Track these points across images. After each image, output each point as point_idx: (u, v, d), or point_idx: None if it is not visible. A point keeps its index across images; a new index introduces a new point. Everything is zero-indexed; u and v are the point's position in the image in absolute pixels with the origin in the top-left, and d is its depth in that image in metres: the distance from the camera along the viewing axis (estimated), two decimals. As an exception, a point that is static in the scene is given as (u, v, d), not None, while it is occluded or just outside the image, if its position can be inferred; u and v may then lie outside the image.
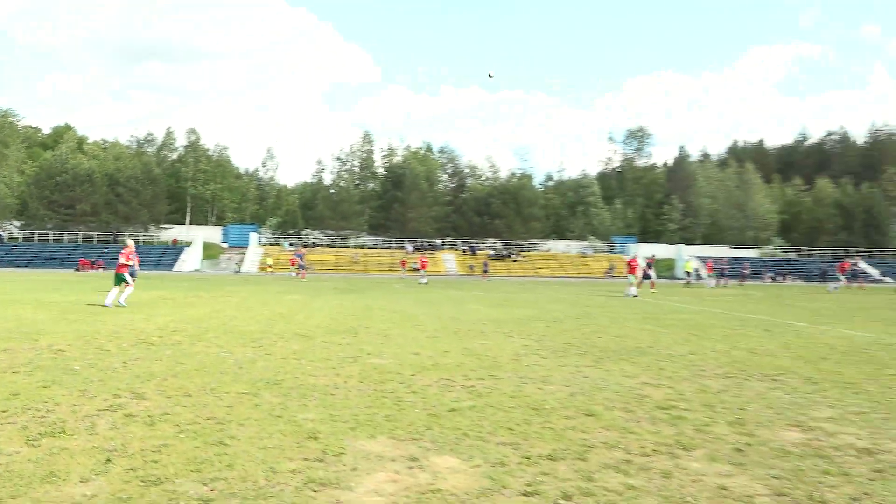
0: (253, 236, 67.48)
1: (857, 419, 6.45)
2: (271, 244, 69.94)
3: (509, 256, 68.32)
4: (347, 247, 72.39)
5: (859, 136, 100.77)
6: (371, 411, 6.36)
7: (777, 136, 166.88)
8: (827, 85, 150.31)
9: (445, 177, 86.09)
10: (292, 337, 11.96)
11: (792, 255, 77.10)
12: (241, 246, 66.45)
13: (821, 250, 76.41)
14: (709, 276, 45.45)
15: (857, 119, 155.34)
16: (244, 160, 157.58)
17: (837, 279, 39.71)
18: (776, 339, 13.23)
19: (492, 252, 69.78)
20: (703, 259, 65.61)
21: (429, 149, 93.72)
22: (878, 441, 5.66)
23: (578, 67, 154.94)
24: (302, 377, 8.02)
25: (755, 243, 79.07)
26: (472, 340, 12.01)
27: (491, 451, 5.19)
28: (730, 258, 61.92)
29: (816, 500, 4.24)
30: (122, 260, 18.96)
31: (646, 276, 31.49)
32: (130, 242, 19.69)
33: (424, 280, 40.64)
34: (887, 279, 62.34)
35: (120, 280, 18.45)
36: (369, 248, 72.91)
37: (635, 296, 27.61)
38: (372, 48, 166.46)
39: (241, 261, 61.91)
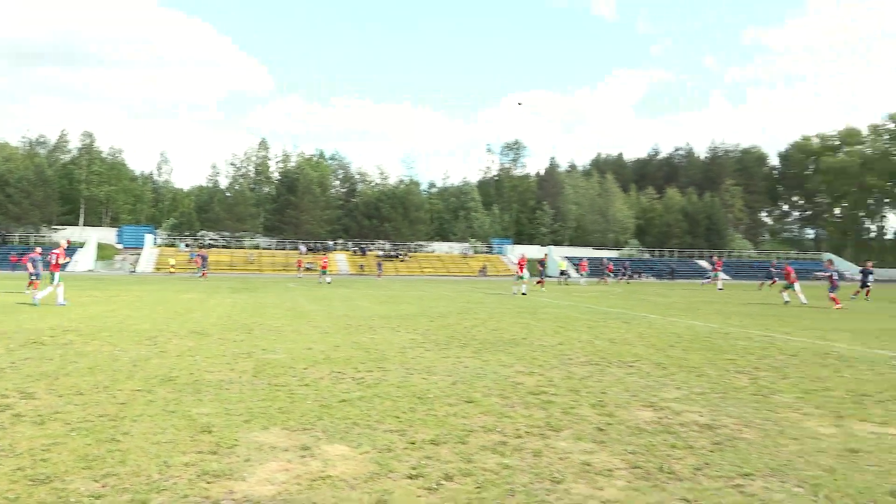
0: (148, 237, 64.31)
1: (700, 399, 6.83)
2: (167, 245, 66.96)
3: (397, 257, 68.33)
4: (242, 248, 70.28)
5: (702, 151, 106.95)
6: (264, 404, 6.20)
7: (634, 151, 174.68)
8: (675, 106, 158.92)
9: (337, 182, 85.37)
10: (187, 334, 11.48)
11: (646, 256, 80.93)
12: (136, 247, 63.25)
13: (670, 251, 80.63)
14: (582, 274, 47.03)
15: (700, 137, 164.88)
16: (140, 163, 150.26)
17: (715, 276, 39.80)
18: (633, 329, 13.84)
19: (381, 252, 69.56)
20: (575, 260, 67.87)
21: (321, 156, 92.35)
22: (716, 417, 6.02)
23: (461, 83, 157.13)
24: (197, 373, 7.71)
25: (615, 245, 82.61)
26: (362, 335, 11.92)
27: (379, 438, 5.16)
28: (591, 258, 64.31)
29: (665, 472, 4.46)
30: (54, 260, 18.16)
31: (542, 275, 32.41)
32: (63, 242, 18.85)
33: (328, 279, 39.92)
34: (724, 276, 66.38)
35: (49, 279, 17.80)
36: (264, 248, 71.04)
37: (524, 293, 27.63)
38: (266, 59, 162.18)
39: (137, 261, 58.92)
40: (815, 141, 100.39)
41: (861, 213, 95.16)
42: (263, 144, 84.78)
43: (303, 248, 68.13)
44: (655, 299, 26.13)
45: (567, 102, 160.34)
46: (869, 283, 28.58)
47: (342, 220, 75.36)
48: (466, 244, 76.51)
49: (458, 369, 8.39)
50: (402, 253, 70.25)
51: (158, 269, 56.07)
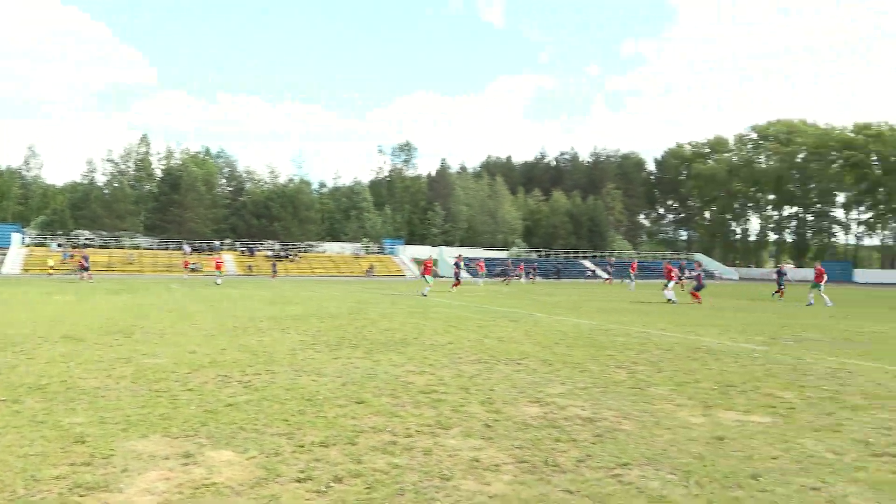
0: (15, 236, 59.73)
1: (582, 393, 7.09)
2: (36, 245, 62.48)
3: (287, 257, 66.89)
4: (122, 247, 66.66)
5: (586, 156, 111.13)
6: (144, 411, 5.90)
7: (522, 154, 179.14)
8: (561, 112, 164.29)
9: (224, 181, 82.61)
10: (60, 340, 10.77)
11: (533, 256, 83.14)
12: (2, 247, 58.68)
13: (556, 251, 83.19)
14: (480, 274, 47.69)
15: (584, 142, 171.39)
16: (5, 158, 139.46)
17: (630, 278, 40.03)
18: (520, 328, 14.19)
19: (270, 253, 67.86)
20: (466, 260, 68.70)
21: (207, 153, 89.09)
22: (597, 411, 6.26)
23: (353, 84, 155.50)
24: (70, 381, 7.25)
25: (504, 245, 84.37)
26: (250, 337, 11.59)
27: (266, 442, 5.03)
28: (485, 258, 65.44)
29: (550, 465, 4.59)
30: None
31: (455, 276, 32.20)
32: None
33: (219, 280, 38.48)
34: (603, 275, 69.20)
35: None
36: (145, 248, 67.67)
37: (424, 295, 27.00)
38: (148, 51, 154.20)
39: (2, 262, 54.67)
40: (688, 148, 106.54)
41: (728, 217, 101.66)
42: (145, 140, 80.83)
43: (187, 248, 65.38)
44: (542, 298, 26.89)
45: (458, 105, 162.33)
46: (783, 285, 30.43)
47: (229, 220, 73.08)
48: (358, 244, 75.97)
49: (349, 370, 8.31)
50: (292, 253, 68.84)
51: (27, 269, 52.25)
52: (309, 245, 74.32)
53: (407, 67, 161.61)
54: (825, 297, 25.53)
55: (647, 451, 4.93)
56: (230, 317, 15.62)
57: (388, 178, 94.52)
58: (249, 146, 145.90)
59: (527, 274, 55.77)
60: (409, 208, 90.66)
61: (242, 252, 67.23)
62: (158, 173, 78.70)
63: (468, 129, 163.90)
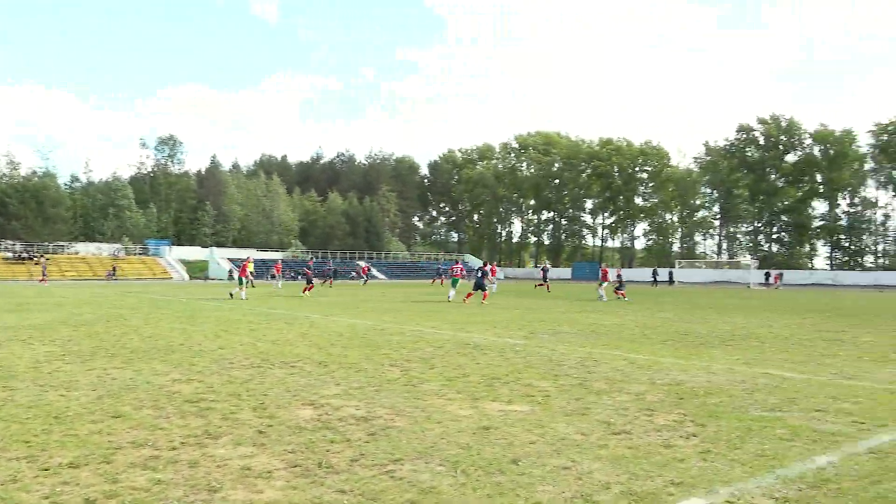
0: None
1: (357, 393, 7.15)
2: None
3: (31, 259, 59.62)
4: None
5: (362, 158, 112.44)
6: None
7: (298, 154, 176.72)
8: (337, 113, 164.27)
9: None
10: None
11: (309, 256, 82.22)
12: None
13: (333, 253, 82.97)
14: (278, 276, 45.84)
15: (361, 144, 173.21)
16: None
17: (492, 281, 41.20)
18: (295, 329, 13.96)
19: (10, 255, 60.07)
20: (238, 262, 66.14)
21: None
22: (372, 409, 6.34)
23: (111, 72, 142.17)
24: None
25: (280, 246, 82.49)
26: (-18, 350, 10.16)
27: (2, 468, 4.43)
28: (260, 259, 63.48)
29: (324, 466, 4.56)
30: None
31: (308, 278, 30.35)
32: None
33: None
34: (381, 276, 70.54)
35: None
36: None
37: (231, 295, 26.10)
38: None
39: None
40: (458, 155, 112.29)
41: (494, 220, 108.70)
42: None
43: None
44: (318, 299, 26.69)
45: (230, 101, 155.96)
46: (546, 280, 35.06)
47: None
48: (118, 245, 69.86)
49: (105, 382, 7.61)
50: (36, 255, 61.50)
51: None
52: (58, 245, 66.95)
53: (173, 58, 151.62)
54: (602, 293, 29.13)
55: (419, 446, 5.09)
56: (-43, 327, 13.58)
57: (152, 175, 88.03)
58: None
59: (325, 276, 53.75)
60: (176, 207, 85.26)
61: (-27, 253, 58.88)
62: None
63: (241, 125, 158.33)
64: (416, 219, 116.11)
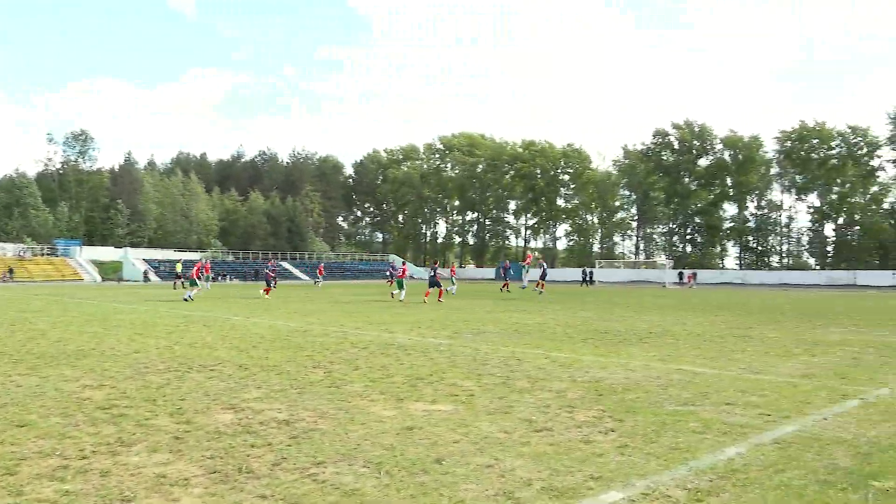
0: None
1: (279, 396, 7.02)
2: None
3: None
4: None
5: (284, 157, 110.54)
6: None
7: (218, 152, 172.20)
8: (258, 111, 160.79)
9: None
10: None
11: (230, 258, 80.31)
12: None
13: (254, 253, 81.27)
14: (207, 277, 44.35)
15: (283, 142, 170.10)
16: None
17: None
18: (215, 332, 13.61)
19: None
20: (154, 263, 63.99)
21: None
22: (294, 412, 6.24)
23: (13, 62, 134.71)
24: None
25: (199, 247, 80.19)
26: None
27: None
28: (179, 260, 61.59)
29: (244, 472, 4.46)
30: None
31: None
32: None
33: None
34: (304, 276, 69.52)
35: None
36: None
37: (187, 299, 25.29)
38: None
39: None
40: (383, 154, 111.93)
41: (419, 220, 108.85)
42: None
43: None
44: (240, 301, 26.09)
45: (145, 96, 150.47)
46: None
47: None
48: (23, 245, 66.36)
49: (9, 389, 7.22)
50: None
51: None
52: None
53: (85, 50, 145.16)
54: (525, 282, 31.95)
55: (342, 448, 5.04)
56: None
57: (61, 172, 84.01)
58: None
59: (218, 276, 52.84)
60: (87, 206, 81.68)
61: None
62: None
63: (158, 122, 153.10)
64: (340, 219, 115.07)
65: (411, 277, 28.61)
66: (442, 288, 26.83)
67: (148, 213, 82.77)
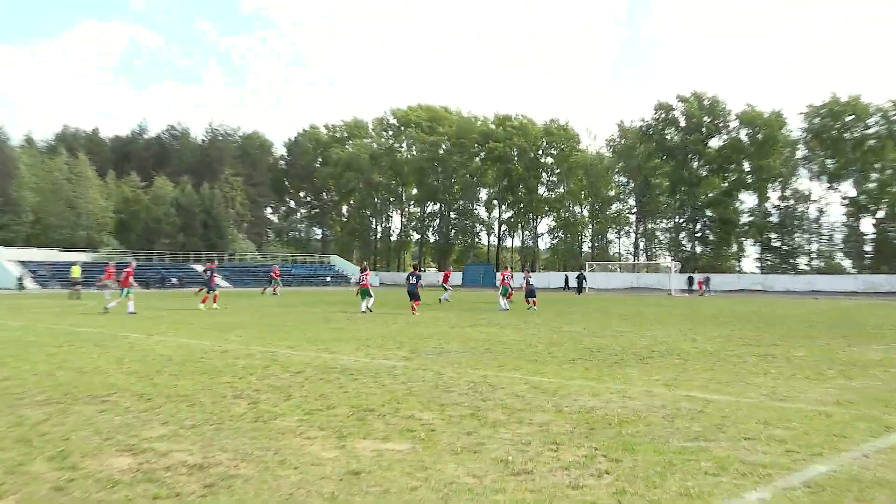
0: None
1: (191, 433, 6.92)
2: None
3: None
4: None
5: (198, 133, 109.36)
6: None
7: (114, 127, 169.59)
8: (165, 75, 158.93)
9: None
10: None
11: (129, 259, 79.12)
12: None
13: (160, 253, 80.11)
14: (112, 282, 43.49)
15: (197, 117, 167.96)
16: None
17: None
18: (109, 353, 13.39)
19: None
20: (33, 265, 62.78)
21: None
22: (209, 454, 6.15)
23: None
24: None
25: (89, 245, 78.84)
26: None
27: None
28: (56, 262, 60.45)
29: (145, 531, 4.38)
30: None
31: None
32: None
33: None
34: (226, 284, 68.86)
35: None
36: None
37: (107, 309, 25.99)
38: None
39: None
40: (323, 132, 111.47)
41: (368, 213, 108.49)
42: None
43: None
44: (142, 313, 25.72)
45: (17, 56, 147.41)
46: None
47: None
48: None
49: None
50: None
51: None
52: None
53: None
54: (504, 303, 30.73)
55: (270, 499, 4.98)
56: None
57: None
58: None
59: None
60: (-56, 193, 79.76)
61: None
62: None
63: (36, 88, 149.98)
64: (268, 211, 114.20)
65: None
66: (420, 300, 27.53)
67: (23, 202, 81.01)
